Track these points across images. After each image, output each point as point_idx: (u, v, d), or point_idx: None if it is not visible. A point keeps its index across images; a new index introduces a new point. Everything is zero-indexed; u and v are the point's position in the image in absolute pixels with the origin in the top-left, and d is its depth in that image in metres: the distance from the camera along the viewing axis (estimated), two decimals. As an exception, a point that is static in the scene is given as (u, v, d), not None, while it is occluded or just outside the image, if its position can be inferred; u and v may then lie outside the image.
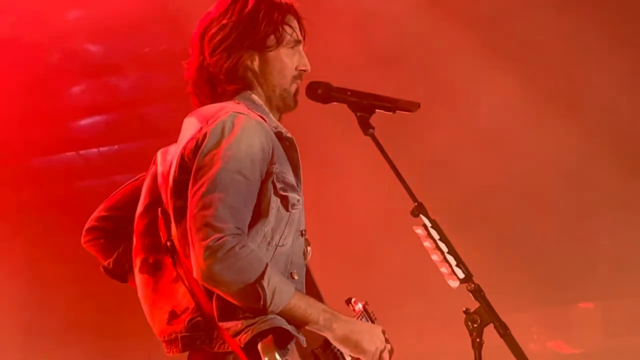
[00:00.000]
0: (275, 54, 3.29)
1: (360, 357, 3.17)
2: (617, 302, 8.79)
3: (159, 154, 3.34)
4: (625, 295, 8.62)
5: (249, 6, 3.24)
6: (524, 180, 8.19)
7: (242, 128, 3.08)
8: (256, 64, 3.28)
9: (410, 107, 3.28)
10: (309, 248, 3.40)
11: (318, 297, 3.33)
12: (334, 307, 3.29)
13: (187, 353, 3.20)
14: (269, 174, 3.10)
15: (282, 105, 3.36)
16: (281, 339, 2.98)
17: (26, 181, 8.38)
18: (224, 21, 3.24)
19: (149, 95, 8.02)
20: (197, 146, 3.08)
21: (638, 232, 8.19)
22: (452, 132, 7.87)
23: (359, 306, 3.54)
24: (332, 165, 7.53)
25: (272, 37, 3.26)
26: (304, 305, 3.06)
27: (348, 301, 3.57)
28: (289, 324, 3.03)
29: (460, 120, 7.96)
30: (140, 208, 3.29)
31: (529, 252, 8.24)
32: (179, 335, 3.12)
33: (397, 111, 3.28)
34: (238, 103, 3.24)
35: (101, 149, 8.52)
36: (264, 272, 2.93)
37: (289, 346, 3.02)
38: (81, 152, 8.57)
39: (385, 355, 3.20)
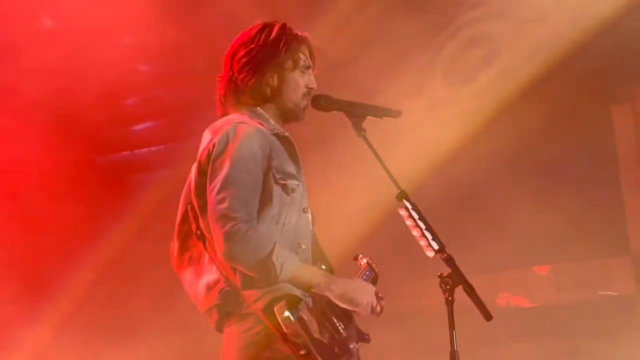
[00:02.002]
0: (290, 75, 3.31)
1: (356, 310, 3.19)
2: (565, 265, 8.79)
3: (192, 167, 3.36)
4: (571, 259, 8.66)
5: (273, 35, 3.28)
6: (490, 157, 8.01)
7: (243, 135, 3.13)
8: (275, 82, 3.29)
9: (394, 114, 3.37)
10: (310, 216, 3.40)
11: (324, 259, 3.43)
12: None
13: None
14: (269, 168, 3.14)
15: (292, 116, 3.38)
16: (291, 302, 2.99)
17: (93, 174, 8.35)
18: (252, 46, 3.27)
19: (187, 104, 7.93)
20: (209, 154, 3.15)
21: (581, 209, 8.15)
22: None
23: (364, 261, 3.56)
24: (333, 160, 7.44)
25: (290, 61, 3.30)
26: (307, 273, 3.11)
27: (355, 257, 3.60)
28: (297, 289, 3.08)
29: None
30: (180, 210, 3.31)
31: (495, 224, 8.07)
32: (214, 305, 3.16)
33: (384, 117, 3.36)
34: (243, 114, 3.29)
35: (150, 148, 8.60)
36: (272, 250, 2.98)
37: (299, 306, 3.05)
38: (135, 151, 8.67)
39: (377, 308, 3.21)
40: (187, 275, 3.26)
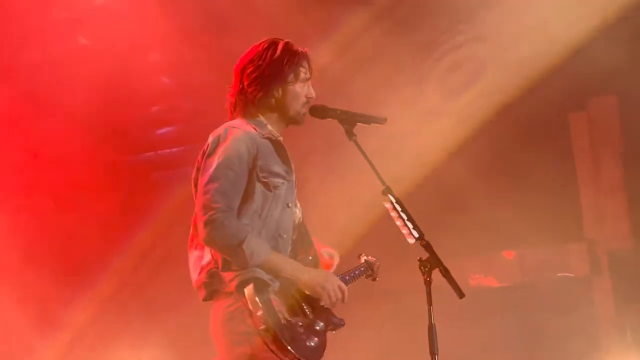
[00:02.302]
0: (292, 87, 3.35)
1: (318, 297, 3.21)
2: (529, 251, 8.99)
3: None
4: (534, 246, 8.92)
5: (277, 53, 3.32)
6: (467, 160, 8.19)
7: (232, 137, 3.20)
8: (279, 94, 3.33)
9: (380, 121, 3.39)
10: (298, 213, 3.42)
11: (313, 251, 3.45)
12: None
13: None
14: (254, 166, 3.18)
15: (293, 122, 3.41)
16: (259, 284, 3.07)
17: (124, 170, 8.37)
18: (260, 62, 3.32)
19: (202, 112, 7.93)
20: (204, 153, 3.25)
21: (543, 203, 8.40)
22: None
23: (363, 259, 3.64)
24: (328, 161, 7.49)
25: (292, 75, 3.35)
26: (277, 260, 3.13)
27: (358, 255, 3.68)
28: (267, 273, 3.12)
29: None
30: None
31: (468, 216, 8.36)
32: (202, 282, 3.23)
33: (371, 124, 3.38)
34: (241, 120, 3.36)
35: (172, 149, 8.61)
36: (244, 239, 3.03)
37: (269, 289, 3.10)
38: (158, 151, 8.69)
39: (333, 298, 3.20)
40: (192, 256, 3.28)
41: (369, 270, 3.61)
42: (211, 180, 3.11)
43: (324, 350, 3.17)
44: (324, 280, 3.21)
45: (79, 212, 7.88)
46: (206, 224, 3.04)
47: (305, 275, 3.19)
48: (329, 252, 3.60)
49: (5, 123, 7.52)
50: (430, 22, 7.40)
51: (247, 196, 3.16)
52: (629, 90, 8.14)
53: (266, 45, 3.38)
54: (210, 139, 3.27)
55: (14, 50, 7.55)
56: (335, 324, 3.31)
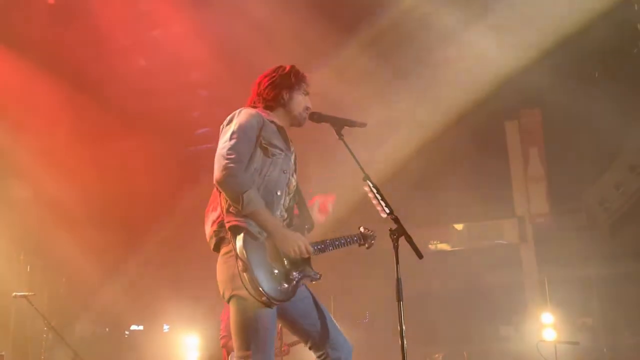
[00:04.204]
0: (296, 95, 3.26)
1: (285, 251, 3.00)
2: (474, 224, 9.07)
3: None
4: (478, 220, 8.99)
5: (286, 70, 3.26)
6: (431, 155, 8.06)
7: (245, 113, 3.10)
8: (287, 97, 3.23)
9: (361, 125, 3.21)
10: (293, 181, 3.24)
11: (309, 219, 3.26)
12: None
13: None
14: (259, 136, 3.05)
15: (294, 122, 3.29)
16: (250, 235, 2.91)
17: (173, 162, 8.26)
18: (273, 75, 3.25)
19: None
20: (223, 126, 3.10)
21: (485, 189, 8.41)
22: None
23: (360, 229, 3.41)
24: (323, 155, 7.15)
25: (297, 85, 3.27)
26: (265, 215, 2.95)
27: (359, 227, 3.43)
28: (256, 225, 2.94)
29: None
30: None
31: (429, 198, 8.21)
32: (213, 231, 3.06)
33: (354, 127, 3.20)
34: (254, 107, 3.22)
35: (208, 145, 8.41)
36: (246, 190, 2.90)
37: (257, 239, 2.93)
38: (198, 147, 8.63)
39: (297, 252, 3.00)
40: (208, 217, 3.11)
41: (362, 240, 3.38)
42: (228, 139, 3.00)
43: (293, 296, 2.97)
44: (292, 241, 3.00)
45: (139, 188, 7.76)
46: (223, 169, 2.91)
47: (281, 234, 2.98)
48: (321, 201, 3.39)
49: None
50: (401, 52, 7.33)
51: (251, 157, 3.03)
52: (550, 105, 8.17)
53: (278, 66, 3.33)
54: (229, 116, 3.17)
55: (94, 65, 7.54)
56: (311, 276, 3.10)
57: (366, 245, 3.40)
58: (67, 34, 7.14)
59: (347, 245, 3.37)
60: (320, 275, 3.13)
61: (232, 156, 2.94)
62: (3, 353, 5.44)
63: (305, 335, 3.14)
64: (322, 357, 3.10)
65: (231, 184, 2.92)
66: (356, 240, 3.38)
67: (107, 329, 8.27)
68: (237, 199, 2.91)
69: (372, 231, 3.42)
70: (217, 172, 2.94)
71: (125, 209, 7.95)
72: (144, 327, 8.42)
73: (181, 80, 7.79)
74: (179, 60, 7.53)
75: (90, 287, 7.55)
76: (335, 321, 3.17)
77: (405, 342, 2.82)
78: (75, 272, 7.55)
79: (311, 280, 3.12)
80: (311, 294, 3.18)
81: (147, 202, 7.88)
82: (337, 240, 3.30)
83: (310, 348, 3.15)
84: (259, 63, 3.46)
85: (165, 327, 8.43)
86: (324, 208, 3.37)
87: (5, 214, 7.08)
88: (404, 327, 2.82)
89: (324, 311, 3.16)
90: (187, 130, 8.61)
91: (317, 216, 3.33)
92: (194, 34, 7.29)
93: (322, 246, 3.19)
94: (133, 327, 8.44)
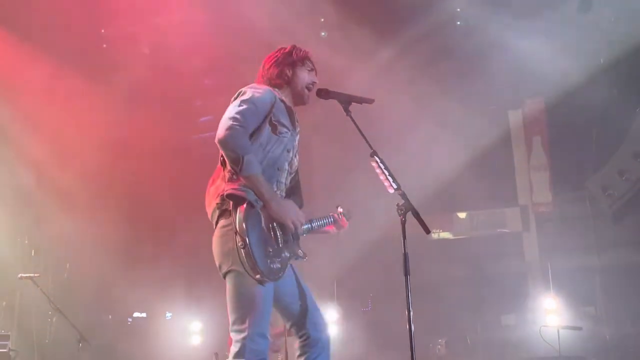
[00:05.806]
0: (299, 70, 3.26)
1: (281, 222, 2.98)
2: (477, 212, 8.86)
3: None
4: (481, 208, 8.83)
5: (288, 49, 3.28)
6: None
7: (257, 87, 3.10)
8: (290, 74, 3.24)
9: (369, 101, 3.19)
10: (295, 161, 3.24)
11: (300, 195, 3.24)
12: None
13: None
14: (269, 113, 3.04)
15: (299, 99, 3.27)
16: (247, 206, 2.88)
17: (181, 148, 8.35)
18: (276, 54, 3.26)
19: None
20: (235, 96, 3.07)
21: (491, 179, 8.19)
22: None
23: (339, 210, 3.45)
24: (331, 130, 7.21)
25: (299, 62, 3.27)
26: (262, 182, 2.94)
27: (337, 206, 3.47)
28: (254, 193, 2.92)
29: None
30: None
31: (436, 187, 8.03)
32: (215, 204, 3.02)
33: (362, 103, 3.17)
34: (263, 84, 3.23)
35: (210, 133, 8.31)
36: (247, 153, 2.88)
37: (256, 206, 2.92)
38: (201, 135, 8.65)
39: (292, 226, 3.00)
40: (209, 192, 3.07)
41: (336, 217, 3.42)
42: (238, 105, 2.98)
43: (282, 274, 2.94)
44: (288, 210, 3.00)
45: (151, 172, 7.84)
46: (228, 129, 2.87)
47: (277, 204, 2.96)
48: (341, 219, 3.46)
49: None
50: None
51: (259, 131, 3.00)
52: (553, 95, 8.12)
53: (279, 48, 3.33)
54: (243, 88, 3.11)
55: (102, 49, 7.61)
56: (299, 255, 3.08)
57: (336, 227, 3.43)
58: (71, 21, 7.15)
59: (328, 225, 3.40)
60: (307, 256, 3.11)
61: (238, 121, 2.90)
62: (9, 333, 5.46)
63: (287, 314, 3.12)
64: (303, 337, 3.09)
65: (232, 144, 2.88)
66: (327, 220, 3.39)
67: (109, 316, 8.27)
68: (237, 159, 2.87)
69: (347, 210, 3.45)
70: (220, 131, 2.90)
71: (129, 195, 7.96)
72: (146, 315, 8.42)
73: (185, 67, 7.71)
74: (182, 47, 7.50)
75: (94, 274, 7.55)
76: (317, 303, 3.15)
77: (411, 313, 2.82)
78: (78, 258, 7.57)
79: (297, 259, 3.10)
80: (294, 273, 3.16)
81: (150, 188, 7.85)
82: (321, 219, 3.34)
83: (290, 327, 3.13)
84: (268, 47, 3.41)
85: (168, 315, 8.43)
86: (341, 225, 3.42)
87: (10, 199, 7.09)
88: (410, 300, 2.81)
89: (305, 291, 3.14)
90: (191, 119, 8.66)
91: (331, 228, 3.40)
92: (198, 22, 7.33)
93: (309, 226, 3.24)
94: (136, 315, 8.44)
